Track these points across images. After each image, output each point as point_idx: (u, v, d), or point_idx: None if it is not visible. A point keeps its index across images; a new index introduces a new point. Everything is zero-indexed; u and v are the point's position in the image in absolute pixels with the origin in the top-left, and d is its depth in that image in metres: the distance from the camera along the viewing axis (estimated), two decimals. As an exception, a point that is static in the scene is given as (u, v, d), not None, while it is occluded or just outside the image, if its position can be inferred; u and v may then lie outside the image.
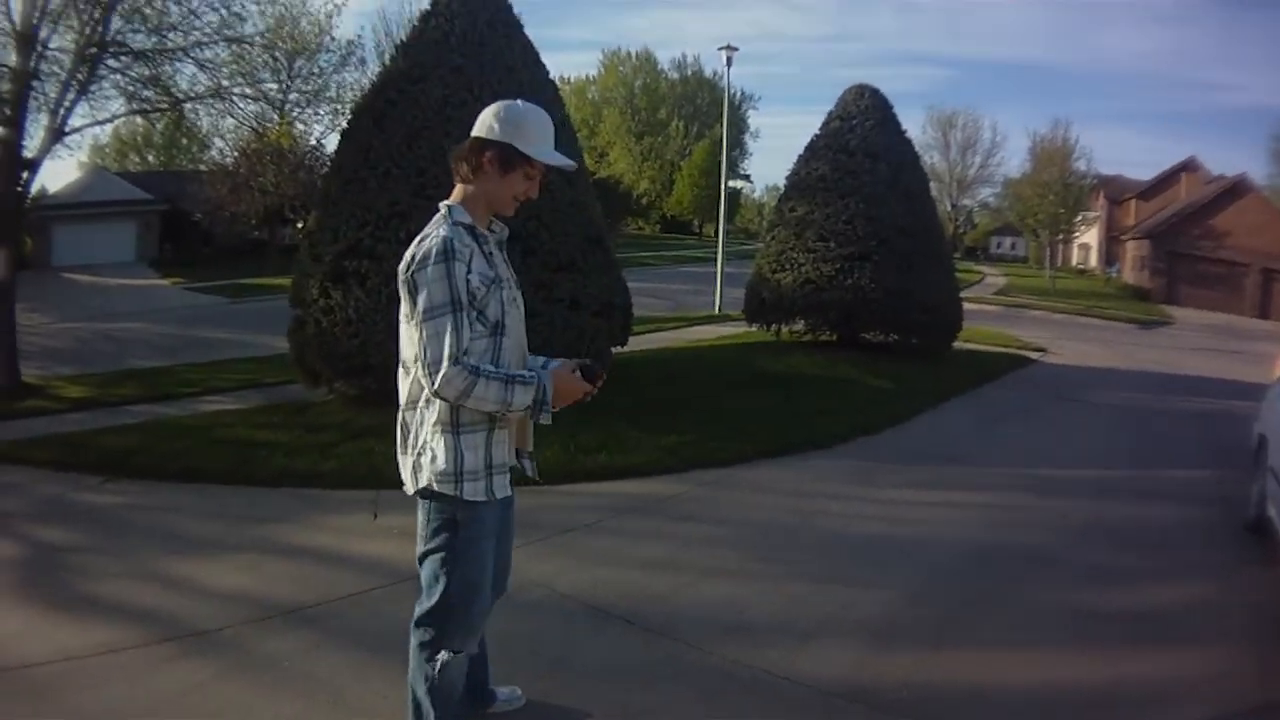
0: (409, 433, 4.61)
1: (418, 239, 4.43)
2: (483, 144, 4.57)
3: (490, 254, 4.59)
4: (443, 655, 4.70)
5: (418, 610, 4.72)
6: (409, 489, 4.64)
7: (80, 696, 5.74)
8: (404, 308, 4.44)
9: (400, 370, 4.65)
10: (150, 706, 5.63)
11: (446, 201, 4.60)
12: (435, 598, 4.64)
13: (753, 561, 8.72)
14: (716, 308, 34.61)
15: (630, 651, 6.64)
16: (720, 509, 10.57)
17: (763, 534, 9.59)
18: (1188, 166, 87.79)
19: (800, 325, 22.89)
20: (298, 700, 5.75)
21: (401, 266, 4.39)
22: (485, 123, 4.59)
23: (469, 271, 4.35)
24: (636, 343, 17.93)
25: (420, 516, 4.66)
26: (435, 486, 4.50)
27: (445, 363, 4.23)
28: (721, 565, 8.55)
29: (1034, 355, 26.74)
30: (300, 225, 54.81)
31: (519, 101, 4.66)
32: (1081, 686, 6.36)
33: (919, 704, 5.99)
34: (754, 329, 24.12)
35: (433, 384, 4.27)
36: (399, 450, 4.68)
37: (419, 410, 4.56)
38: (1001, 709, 6.05)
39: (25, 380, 18.11)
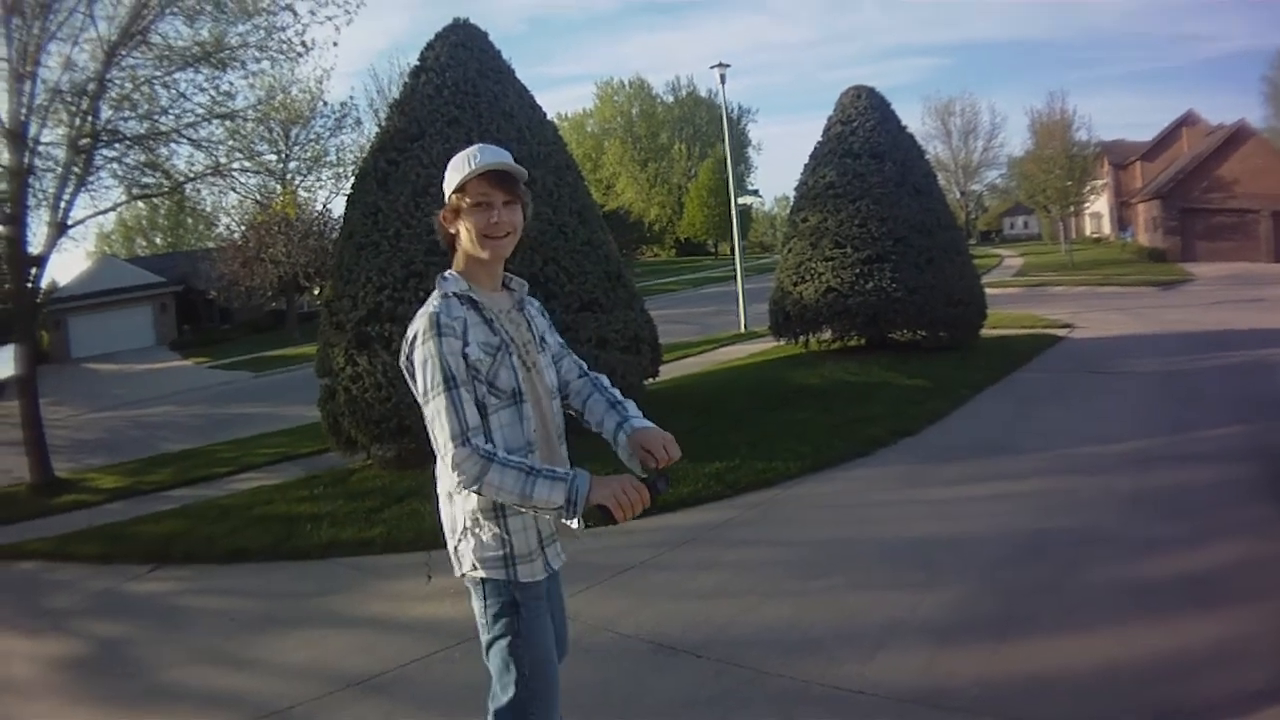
0: (449, 514, 4.30)
1: (415, 317, 4.15)
2: (446, 204, 4.28)
3: (492, 320, 4.20)
4: None
5: (494, 705, 4.27)
6: (457, 572, 4.31)
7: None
8: (415, 392, 4.12)
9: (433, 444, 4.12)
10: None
11: (444, 272, 4.31)
12: (512, 688, 4.22)
13: (811, 578, 8.71)
14: (742, 326, 34.33)
15: (701, 683, 6.62)
16: (773, 530, 10.57)
17: (817, 549, 9.60)
18: (1187, 121, 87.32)
19: (828, 334, 22.84)
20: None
21: (402, 350, 4.18)
22: (448, 175, 4.29)
23: (465, 345, 4.03)
24: (668, 370, 17.98)
25: (475, 602, 4.30)
26: (485, 574, 4.19)
27: (451, 445, 3.89)
28: (781, 586, 8.55)
29: (1061, 332, 26.57)
30: (318, 292, 55.02)
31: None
32: (1145, 659, 6.36)
33: (991, 699, 6.00)
34: (782, 343, 24.08)
35: (448, 470, 3.93)
36: (444, 531, 4.35)
37: (454, 491, 4.19)
38: (1071, 693, 6.03)
39: (58, 475, 18.19)
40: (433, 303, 4.10)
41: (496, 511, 4.14)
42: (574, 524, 4.16)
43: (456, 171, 4.21)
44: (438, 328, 3.98)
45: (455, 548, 4.27)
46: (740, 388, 19.23)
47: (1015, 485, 11.43)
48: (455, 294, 4.16)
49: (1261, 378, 15.71)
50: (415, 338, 4.04)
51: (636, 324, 15.28)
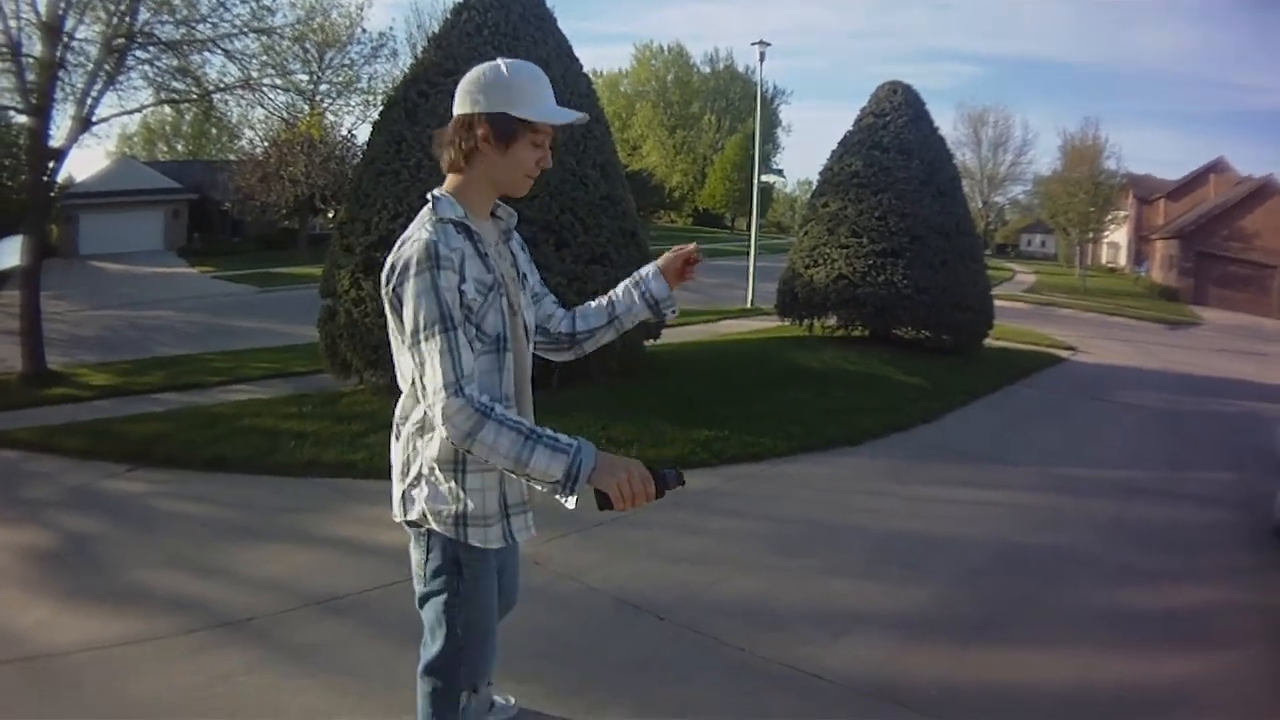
0: (404, 454, 3.97)
1: (398, 243, 3.74)
2: (471, 121, 3.79)
3: (485, 254, 3.82)
4: (463, 699, 4.18)
5: (424, 657, 4.13)
6: (397, 516, 4.04)
7: (106, 688, 5.72)
8: (391, 323, 3.76)
9: (399, 377, 3.95)
10: (176, 699, 5.61)
11: (435, 191, 3.87)
12: (440, 644, 4.06)
13: (786, 557, 8.68)
14: (749, 302, 34.49)
15: (661, 645, 6.61)
16: (754, 504, 10.54)
17: (796, 529, 9.59)
18: (1217, 167, 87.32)
19: (833, 320, 22.80)
20: (327, 694, 5.72)
21: (382, 277, 3.74)
22: (467, 95, 3.80)
23: (462, 280, 3.64)
24: (669, 335, 17.98)
25: (414, 552, 4.07)
26: (434, 525, 3.91)
27: (443, 394, 3.48)
28: (755, 560, 8.52)
29: (1064, 354, 26.56)
30: (331, 215, 55.00)
31: (499, 61, 3.85)
32: (1111, 688, 6.32)
33: (949, 704, 5.96)
34: (786, 323, 23.98)
35: (438, 421, 3.54)
36: (392, 468, 4.06)
37: (415, 434, 3.91)
38: (1031, 709, 6.01)
39: (51, 368, 18.24)
40: (427, 228, 3.68)
41: (456, 466, 3.83)
42: (569, 503, 3.51)
43: (533, 98, 3.83)
44: (435, 259, 3.56)
45: (404, 492, 3.96)
46: (738, 361, 19.26)
47: (1000, 495, 11.43)
48: (452, 220, 3.76)
49: (1255, 430, 15.67)
50: (407, 267, 3.60)
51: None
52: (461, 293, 3.61)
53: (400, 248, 3.67)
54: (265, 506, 9.68)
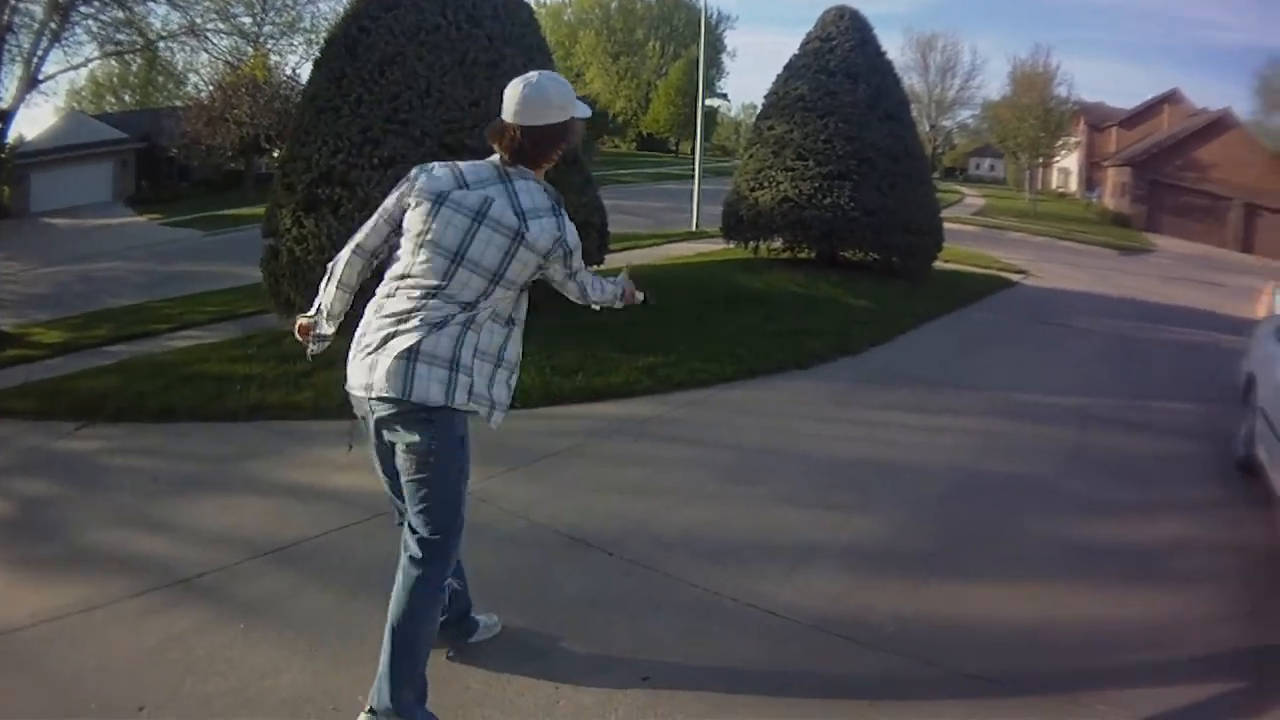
0: (453, 346, 4.52)
1: (556, 211, 4.72)
2: (565, 128, 4.78)
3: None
4: (450, 582, 4.88)
5: (426, 533, 4.65)
6: (435, 400, 4.47)
7: (59, 659, 5.59)
8: (522, 272, 4.68)
9: (472, 274, 4.58)
10: (127, 666, 5.50)
11: (540, 181, 4.80)
12: (447, 517, 4.66)
13: (735, 485, 8.61)
14: (694, 224, 34.42)
15: (611, 582, 6.54)
16: (701, 431, 10.48)
17: (745, 457, 9.53)
18: (1171, 99, 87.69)
19: (779, 243, 22.80)
20: (275, 650, 5.61)
21: (550, 245, 4.68)
22: (555, 104, 4.71)
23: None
24: (614, 260, 17.73)
25: (438, 429, 4.53)
26: (471, 406, 4.60)
27: (596, 285, 5.30)
28: (703, 490, 8.44)
29: (1014, 277, 26.72)
30: (276, 154, 54.85)
31: (544, 73, 4.78)
32: (1072, 625, 6.25)
33: (906, 639, 5.89)
34: (732, 246, 23.95)
35: (591, 299, 5.27)
36: (419, 353, 4.47)
37: (464, 327, 4.55)
38: (989, 645, 5.92)
39: (3, 330, 17.93)
40: (566, 213, 4.81)
41: (499, 356, 4.81)
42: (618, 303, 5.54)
43: (579, 106, 4.88)
44: None
45: (450, 377, 4.50)
46: (684, 285, 19.11)
47: (953, 421, 11.36)
48: None
49: (1214, 360, 15.66)
50: (576, 245, 4.85)
51: (588, 209, 15.13)
52: None
53: (564, 231, 4.73)
54: (214, 455, 9.50)
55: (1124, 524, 8.33)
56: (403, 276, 4.60)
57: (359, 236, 4.84)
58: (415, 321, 4.47)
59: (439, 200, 4.59)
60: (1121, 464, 10.17)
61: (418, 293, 4.53)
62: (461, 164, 4.78)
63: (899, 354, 14.93)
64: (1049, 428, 11.35)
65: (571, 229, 4.74)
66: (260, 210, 15.92)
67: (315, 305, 5.03)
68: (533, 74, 4.69)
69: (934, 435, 10.66)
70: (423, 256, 4.56)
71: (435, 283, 4.52)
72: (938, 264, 23.61)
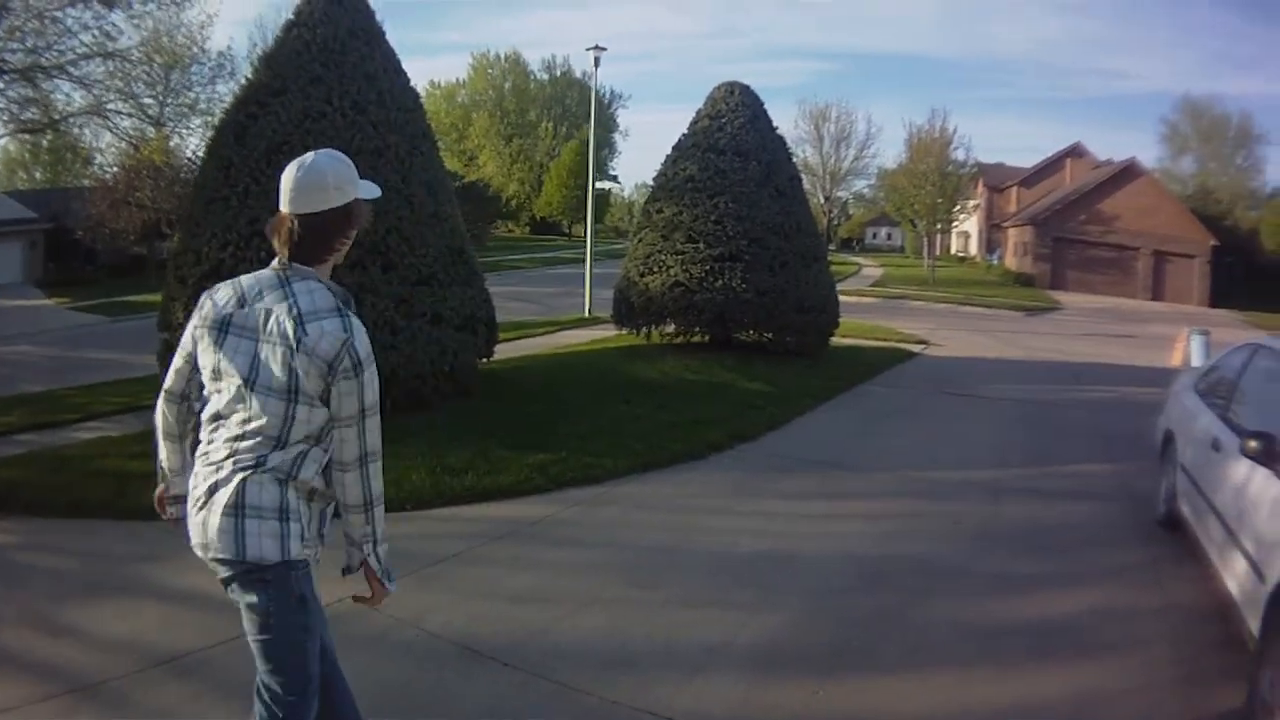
0: (260, 493, 4.05)
1: (330, 319, 4.09)
2: (348, 212, 4.26)
3: None
4: None
5: (272, 702, 4.29)
6: (266, 556, 4.06)
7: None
8: (308, 378, 4.02)
9: (268, 398, 4.07)
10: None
11: (324, 281, 4.24)
12: (293, 680, 4.29)
13: (632, 588, 8.48)
14: (587, 310, 34.37)
15: (507, 694, 6.40)
16: (595, 531, 10.36)
17: (641, 556, 9.40)
18: (1074, 153, 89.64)
19: (671, 328, 22.73)
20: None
21: (336, 350, 4.02)
22: (334, 186, 4.18)
23: None
24: (504, 349, 17.76)
25: (272, 591, 4.13)
26: (293, 556, 4.11)
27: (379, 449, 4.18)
28: (599, 594, 8.32)
29: (916, 348, 27.01)
30: (175, 240, 54.75)
31: (321, 152, 4.28)
32: (987, 712, 6.21)
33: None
34: (624, 332, 23.83)
35: (375, 459, 4.19)
36: (245, 507, 4.05)
37: (307, 456, 4.13)
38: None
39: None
40: (355, 320, 4.16)
41: (311, 495, 4.20)
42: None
43: (362, 186, 4.34)
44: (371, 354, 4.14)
45: (282, 529, 4.09)
46: (575, 376, 19.08)
47: (855, 505, 11.34)
48: None
49: (1125, 416, 15.83)
50: (368, 357, 4.11)
51: (474, 303, 15.21)
52: None
53: (352, 333, 4.08)
54: (115, 555, 9.35)
55: (1040, 598, 8.35)
56: (215, 417, 4.19)
57: (167, 381, 4.46)
58: (232, 468, 4.08)
59: (223, 328, 4.17)
60: (1036, 535, 10.22)
61: (229, 433, 4.13)
62: (245, 278, 4.30)
63: (797, 437, 14.92)
64: (957, 504, 11.33)
65: (362, 334, 4.12)
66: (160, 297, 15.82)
67: (156, 468, 4.68)
68: (308, 154, 4.22)
69: (835, 522, 10.64)
70: (222, 391, 4.17)
71: (242, 417, 4.10)
72: (836, 339, 23.73)
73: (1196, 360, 21.00)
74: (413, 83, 16.04)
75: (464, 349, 14.78)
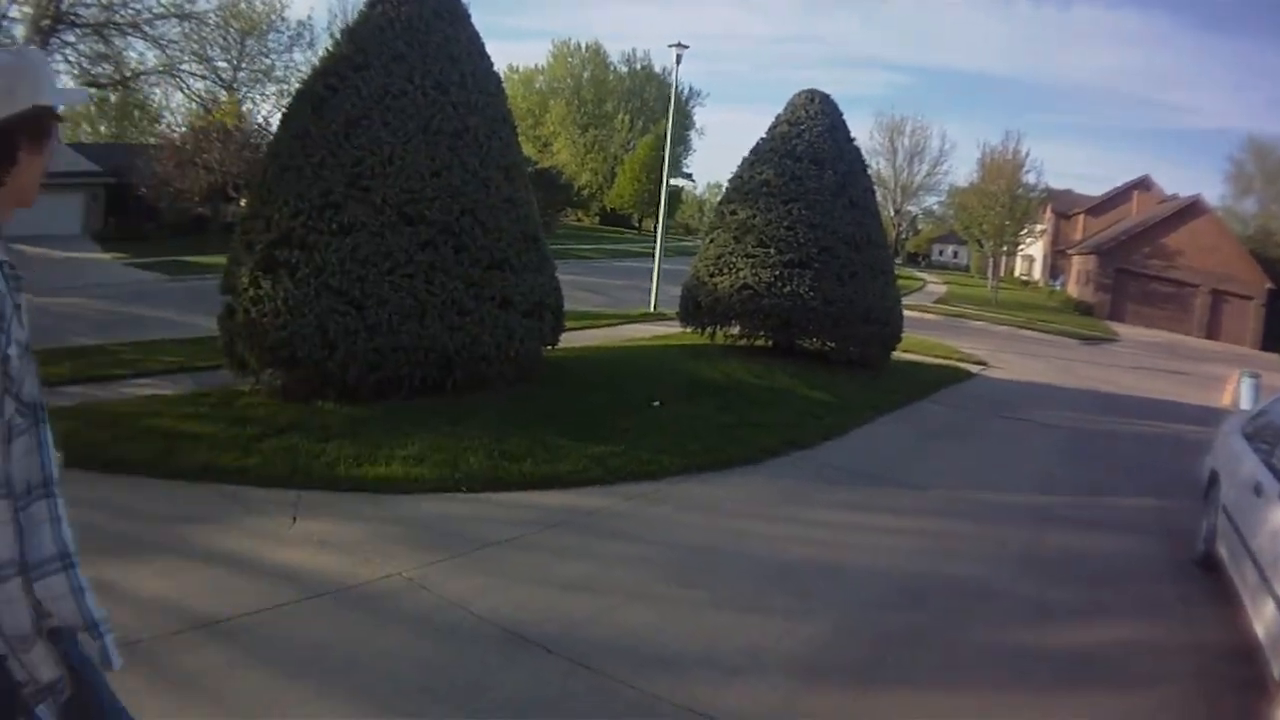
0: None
1: None
2: (26, 125, 2.91)
3: (20, 304, 2.98)
4: None
5: None
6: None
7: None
8: None
9: None
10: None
11: None
12: None
13: (679, 586, 8.47)
14: (652, 305, 34.12)
15: (548, 682, 6.39)
16: (647, 527, 10.34)
17: (690, 556, 9.38)
18: (1141, 185, 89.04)
19: (736, 330, 22.61)
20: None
21: None
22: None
23: (8, 343, 2.85)
24: (568, 339, 17.75)
25: None
26: None
27: None
28: (646, 589, 8.32)
29: (974, 369, 26.78)
30: (243, 203, 54.83)
31: None
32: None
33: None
34: (689, 331, 23.75)
35: None
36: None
37: None
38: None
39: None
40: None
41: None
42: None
43: (49, 77, 2.99)
44: None
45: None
46: (638, 371, 19.03)
47: (903, 521, 11.31)
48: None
49: (1174, 453, 15.70)
50: (14, 304, 2.88)
51: (544, 290, 15.20)
52: (7, 358, 2.84)
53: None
54: (158, 515, 9.38)
55: (1073, 627, 8.32)
56: None
57: None
58: None
59: None
60: (1075, 564, 10.18)
61: None
62: None
63: (852, 449, 14.83)
64: (1002, 527, 11.31)
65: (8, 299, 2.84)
66: (223, 259, 15.81)
67: None
68: None
69: (882, 536, 10.60)
70: None
71: None
72: (897, 354, 23.57)
73: (1246, 403, 20.81)
74: (495, 67, 16.00)
75: (530, 335, 14.81)
